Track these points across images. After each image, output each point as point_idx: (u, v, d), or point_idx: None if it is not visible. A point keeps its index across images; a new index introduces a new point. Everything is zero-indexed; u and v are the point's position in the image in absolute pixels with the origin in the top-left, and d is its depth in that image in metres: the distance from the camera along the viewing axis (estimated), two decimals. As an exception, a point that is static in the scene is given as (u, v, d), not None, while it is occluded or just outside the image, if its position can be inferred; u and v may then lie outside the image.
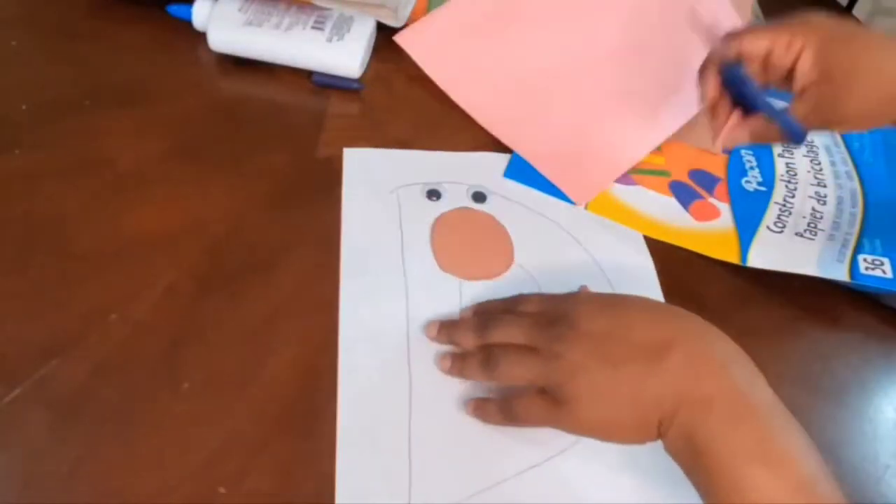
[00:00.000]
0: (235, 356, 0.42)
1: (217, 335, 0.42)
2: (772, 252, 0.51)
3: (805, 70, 0.40)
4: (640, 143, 0.60)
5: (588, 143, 0.59)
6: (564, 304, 0.38)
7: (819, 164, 0.61)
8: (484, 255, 0.49)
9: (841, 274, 0.50)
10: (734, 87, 0.43)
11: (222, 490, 0.36)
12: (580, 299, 0.38)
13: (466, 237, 0.50)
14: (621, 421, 0.35)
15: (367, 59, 0.62)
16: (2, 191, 0.47)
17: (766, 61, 0.42)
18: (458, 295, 0.46)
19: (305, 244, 0.48)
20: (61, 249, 0.45)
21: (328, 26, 0.59)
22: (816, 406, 0.46)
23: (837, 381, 0.47)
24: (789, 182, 0.58)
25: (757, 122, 0.41)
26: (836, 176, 0.60)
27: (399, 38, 0.62)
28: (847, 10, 0.87)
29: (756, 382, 0.34)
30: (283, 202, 0.50)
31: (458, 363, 0.41)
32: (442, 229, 0.50)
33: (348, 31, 0.59)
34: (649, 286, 0.50)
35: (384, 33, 0.63)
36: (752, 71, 0.42)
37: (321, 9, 0.60)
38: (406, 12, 0.62)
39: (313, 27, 0.59)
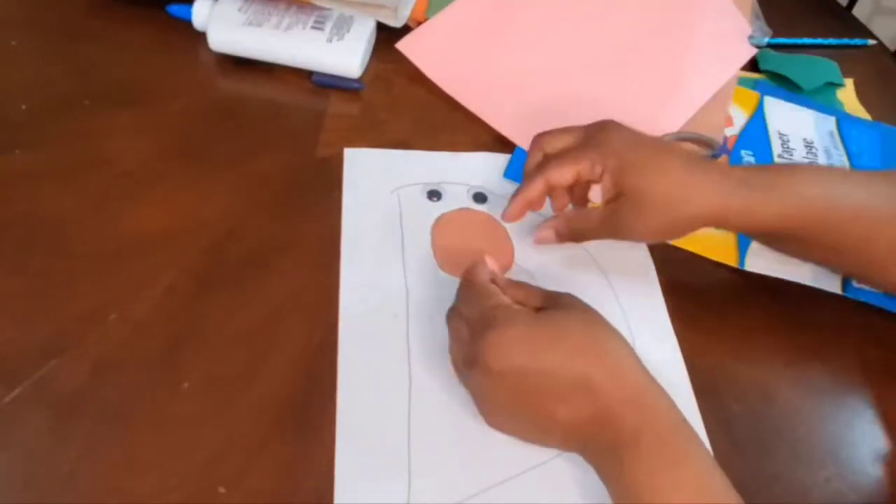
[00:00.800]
0: (235, 356, 0.42)
1: (217, 335, 0.42)
2: (769, 257, 0.51)
3: (607, 187, 0.44)
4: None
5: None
6: (481, 348, 0.36)
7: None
8: (483, 254, 0.49)
9: (834, 286, 0.51)
10: None
11: (222, 490, 0.36)
12: (494, 342, 0.36)
13: (466, 237, 0.50)
14: (527, 437, 0.39)
15: (367, 59, 0.62)
16: (2, 191, 0.48)
17: (571, 187, 0.46)
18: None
19: (305, 244, 0.48)
20: (61, 249, 0.45)
21: (328, 26, 0.59)
22: (816, 406, 0.46)
23: (837, 381, 0.47)
24: None
25: (543, 231, 0.48)
26: None
27: (401, 46, 0.62)
28: (847, 10, 0.87)
29: (658, 407, 0.36)
30: (283, 202, 0.50)
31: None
32: (442, 229, 0.50)
33: (348, 31, 0.59)
34: (649, 286, 0.50)
35: (384, 33, 0.63)
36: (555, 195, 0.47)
37: (321, 9, 0.60)
38: (406, 12, 0.63)
39: (313, 27, 0.59)
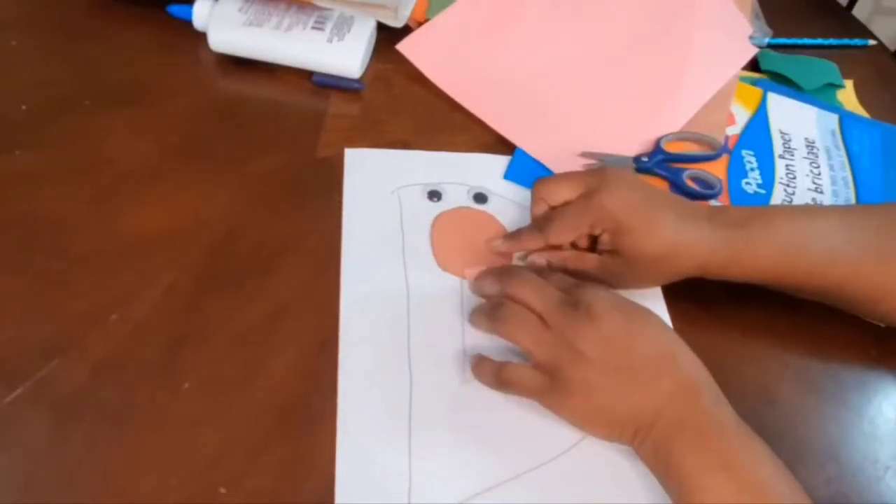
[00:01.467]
0: (235, 356, 0.42)
1: (217, 335, 0.42)
2: None
3: (604, 240, 0.45)
4: (643, 140, 0.60)
5: (593, 139, 0.59)
6: (585, 291, 0.40)
7: (818, 167, 0.60)
8: (483, 254, 0.49)
9: None
10: None
11: (222, 490, 0.36)
12: (601, 294, 0.40)
13: (466, 236, 0.50)
14: (601, 420, 0.39)
15: (367, 59, 0.62)
16: (2, 191, 0.48)
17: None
18: (459, 296, 0.46)
19: (305, 244, 0.48)
20: (61, 250, 0.45)
21: (328, 26, 0.59)
22: (816, 406, 0.46)
23: (837, 381, 0.47)
24: (788, 186, 0.58)
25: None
26: (833, 182, 0.59)
27: (401, 47, 0.62)
28: (847, 10, 0.87)
29: (719, 402, 0.38)
30: (283, 202, 0.50)
31: (474, 312, 0.44)
32: (442, 228, 0.50)
33: (348, 31, 0.59)
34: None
35: (384, 33, 0.63)
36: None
37: (321, 9, 0.60)
38: (406, 12, 0.63)
39: (313, 27, 0.59)
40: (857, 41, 0.76)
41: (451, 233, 0.50)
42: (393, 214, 0.51)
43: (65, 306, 0.42)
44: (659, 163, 0.57)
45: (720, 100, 0.64)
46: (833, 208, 0.54)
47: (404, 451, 0.39)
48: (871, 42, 0.76)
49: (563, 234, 0.46)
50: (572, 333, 0.38)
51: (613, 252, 0.45)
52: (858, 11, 0.93)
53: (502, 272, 0.44)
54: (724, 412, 0.38)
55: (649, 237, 0.44)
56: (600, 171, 0.47)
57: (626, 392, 0.37)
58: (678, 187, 0.57)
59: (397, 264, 0.48)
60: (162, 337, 0.42)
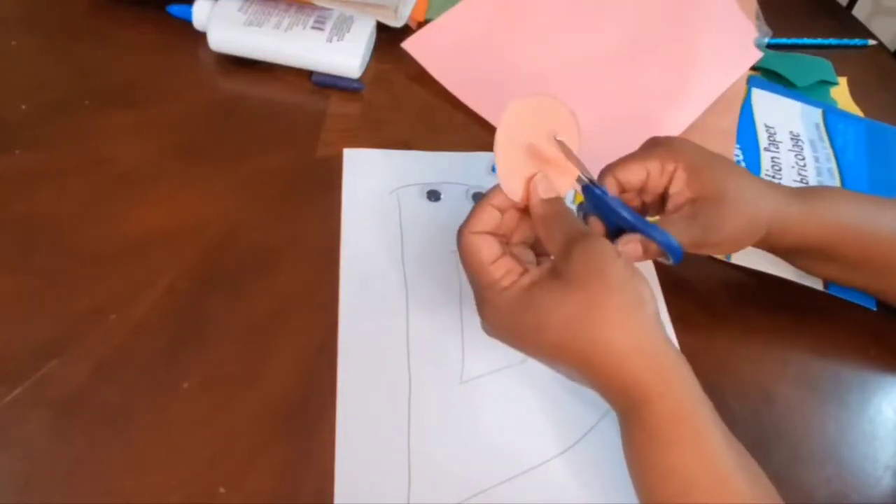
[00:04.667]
0: (235, 356, 0.42)
1: (217, 335, 0.42)
2: (754, 252, 0.51)
3: (679, 189, 0.42)
4: (645, 139, 0.60)
5: (596, 140, 0.59)
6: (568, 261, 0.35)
7: (803, 159, 0.61)
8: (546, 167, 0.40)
9: (816, 283, 0.51)
10: (597, 211, 0.42)
11: (222, 490, 0.36)
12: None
13: (538, 131, 0.40)
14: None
15: (367, 59, 0.62)
16: (1, 191, 0.48)
17: (642, 188, 0.44)
18: (458, 296, 0.46)
19: (305, 244, 0.48)
20: (61, 249, 0.45)
21: (328, 26, 0.59)
22: (816, 406, 0.46)
23: (837, 381, 0.47)
24: (774, 178, 0.59)
25: (630, 244, 0.41)
26: (819, 173, 0.60)
27: (407, 45, 0.62)
28: (847, 10, 0.87)
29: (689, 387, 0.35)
30: (283, 202, 0.50)
31: None
32: (517, 112, 0.39)
33: (348, 31, 0.59)
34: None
35: (384, 33, 0.63)
36: (627, 197, 0.44)
37: (321, 9, 0.60)
38: (406, 12, 0.62)
39: (313, 27, 0.59)
40: (856, 41, 0.76)
41: (524, 124, 0.39)
42: (392, 214, 0.51)
43: (64, 306, 0.42)
44: None
45: (728, 105, 0.63)
46: (877, 196, 0.51)
47: (403, 451, 0.39)
48: (871, 42, 0.76)
49: (631, 166, 0.42)
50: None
51: (694, 201, 0.42)
52: (858, 11, 0.93)
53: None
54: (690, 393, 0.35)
55: (732, 171, 0.42)
56: (663, 136, 0.45)
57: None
58: None
59: (396, 264, 0.48)
60: (162, 337, 0.42)
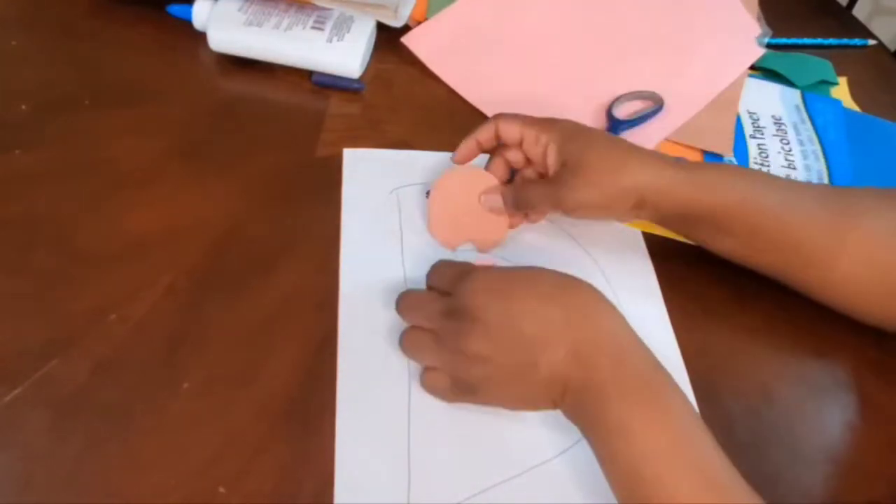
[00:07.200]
0: (235, 356, 0.42)
1: (217, 335, 0.42)
2: None
3: (551, 161, 0.47)
4: (646, 136, 0.60)
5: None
6: (465, 289, 0.39)
7: (788, 143, 0.61)
8: (481, 220, 0.49)
9: None
10: None
11: (222, 490, 0.36)
12: (475, 288, 0.39)
13: (465, 202, 0.49)
14: (520, 402, 0.39)
15: (367, 59, 0.62)
16: (2, 190, 0.48)
17: (528, 158, 0.49)
18: (457, 295, 0.46)
19: (305, 244, 0.48)
20: (61, 249, 0.45)
21: (328, 26, 0.59)
22: (816, 406, 0.46)
23: (837, 382, 0.47)
24: (762, 165, 0.59)
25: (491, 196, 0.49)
26: (805, 156, 0.60)
27: (406, 40, 0.62)
28: (847, 10, 0.87)
29: (623, 359, 0.36)
30: (283, 202, 0.50)
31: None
32: (443, 188, 0.49)
33: (348, 31, 0.59)
34: (648, 285, 0.50)
35: (384, 33, 0.63)
36: (510, 158, 0.50)
37: (321, 9, 0.60)
38: (406, 12, 0.63)
39: (313, 27, 0.59)
40: (856, 41, 0.76)
41: (450, 196, 0.49)
42: (392, 214, 0.51)
43: (64, 306, 0.42)
44: None
45: (726, 103, 0.63)
46: (783, 177, 0.55)
47: (403, 450, 0.39)
48: (871, 42, 0.76)
49: (513, 121, 0.47)
50: (462, 341, 0.38)
51: (561, 165, 0.46)
52: (858, 11, 0.93)
53: (398, 300, 0.42)
54: (630, 369, 0.36)
55: (597, 144, 0.46)
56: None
57: (527, 373, 0.37)
58: None
59: (396, 264, 0.48)
60: (162, 337, 0.42)
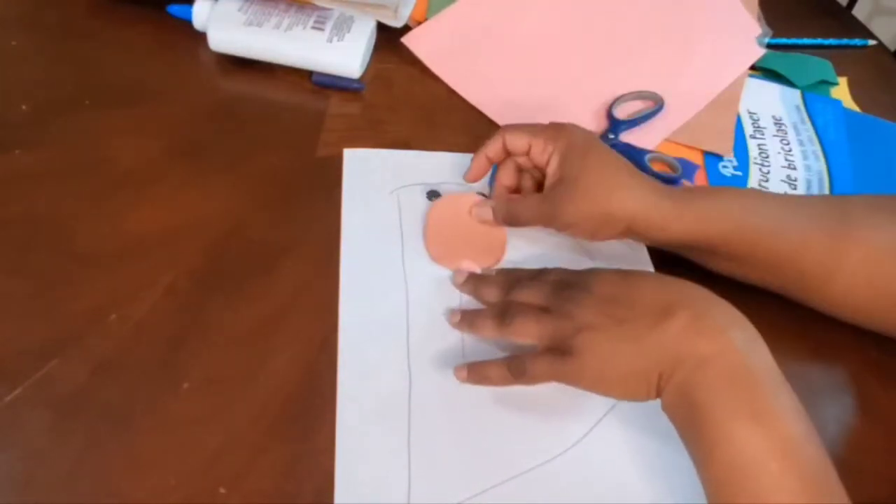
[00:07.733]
0: (235, 356, 0.42)
1: (217, 335, 0.42)
2: None
3: (553, 170, 0.46)
4: (647, 136, 0.60)
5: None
6: (581, 274, 0.41)
7: (788, 143, 0.62)
8: (476, 245, 0.49)
9: None
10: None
11: (222, 490, 0.36)
12: (596, 270, 0.41)
13: (461, 225, 0.50)
14: (621, 376, 0.37)
15: (367, 59, 0.62)
16: (2, 190, 0.48)
17: (535, 165, 0.49)
18: (457, 295, 0.46)
19: (305, 244, 0.48)
20: (61, 249, 0.45)
21: (328, 26, 0.59)
22: (816, 406, 0.46)
23: (837, 383, 0.47)
24: (762, 165, 0.59)
25: (483, 208, 0.50)
26: (805, 156, 0.60)
27: (407, 40, 0.62)
28: (847, 10, 0.87)
29: (755, 347, 0.36)
30: (283, 202, 0.50)
31: (468, 317, 0.43)
32: (437, 216, 0.50)
33: (348, 31, 0.59)
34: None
35: (384, 33, 0.63)
36: (520, 162, 0.50)
37: (321, 9, 0.60)
38: (406, 12, 0.63)
39: (313, 27, 0.59)
40: (856, 41, 0.76)
41: (446, 221, 0.50)
42: (392, 214, 0.51)
43: (64, 306, 0.42)
44: (623, 150, 0.57)
45: (727, 104, 0.63)
46: (783, 195, 0.55)
47: (403, 451, 0.39)
48: (871, 42, 0.76)
49: (519, 133, 0.48)
50: (571, 306, 0.38)
51: (557, 183, 0.46)
52: (858, 11, 0.93)
53: (501, 281, 0.44)
54: (758, 355, 0.35)
55: (596, 164, 0.45)
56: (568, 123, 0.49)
57: (635, 342, 0.36)
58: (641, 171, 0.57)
59: (396, 264, 0.48)
60: (162, 337, 0.42)
